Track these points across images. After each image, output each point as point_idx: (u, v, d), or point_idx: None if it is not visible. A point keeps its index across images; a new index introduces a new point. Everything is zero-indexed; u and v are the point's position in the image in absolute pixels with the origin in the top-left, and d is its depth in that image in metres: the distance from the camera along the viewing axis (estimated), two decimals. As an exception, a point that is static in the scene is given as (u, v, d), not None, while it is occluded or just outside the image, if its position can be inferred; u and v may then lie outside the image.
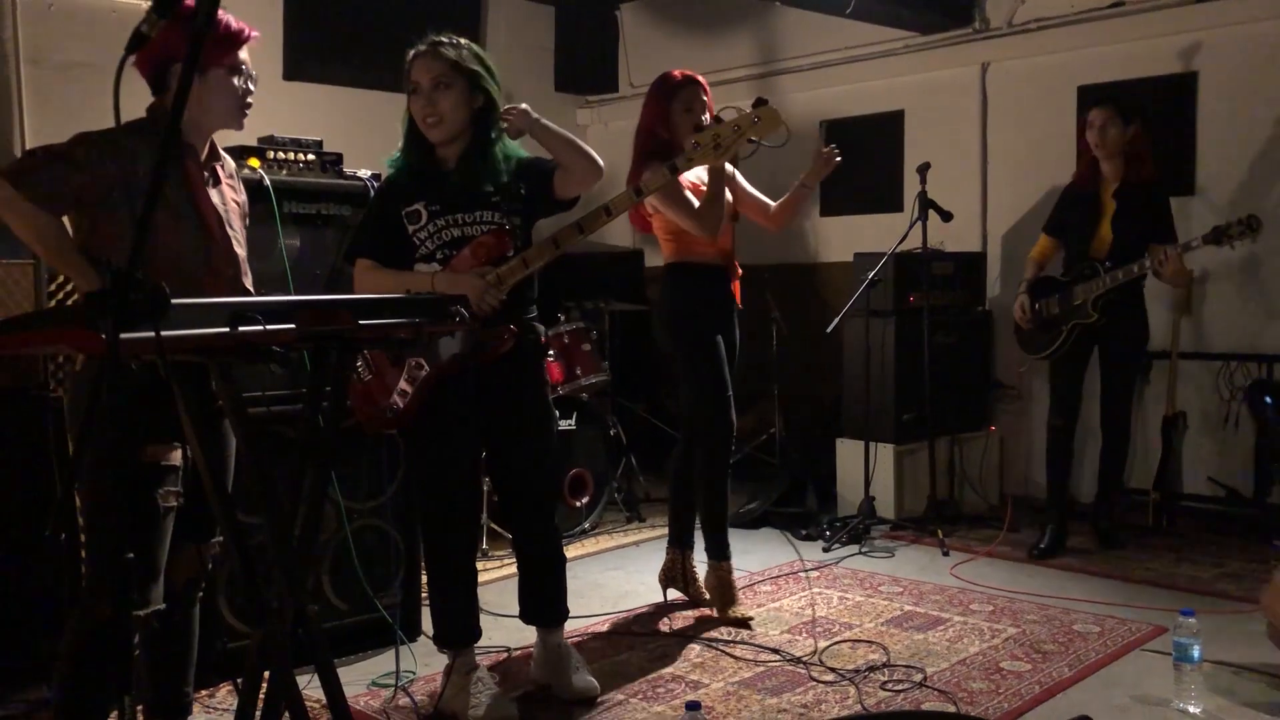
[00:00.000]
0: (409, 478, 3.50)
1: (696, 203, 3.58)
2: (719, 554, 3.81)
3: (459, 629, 3.06)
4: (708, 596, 3.90)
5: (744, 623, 3.70)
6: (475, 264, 2.86)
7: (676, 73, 3.73)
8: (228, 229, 2.51)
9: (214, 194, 2.50)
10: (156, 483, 2.40)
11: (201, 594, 2.66)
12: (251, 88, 2.49)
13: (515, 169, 2.99)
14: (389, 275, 2.90)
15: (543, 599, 3.16)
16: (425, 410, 2.92)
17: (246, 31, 2.44)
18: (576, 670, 3.14)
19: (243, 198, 2.65)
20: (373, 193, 3.37)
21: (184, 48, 2.19)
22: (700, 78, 3.72)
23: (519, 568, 3.18)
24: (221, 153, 2.59)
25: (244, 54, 2.46)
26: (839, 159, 3.73)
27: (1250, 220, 4.11)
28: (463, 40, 2.94)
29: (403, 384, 2.88)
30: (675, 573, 4.00)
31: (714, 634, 3.66)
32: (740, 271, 3.85)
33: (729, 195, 3.69)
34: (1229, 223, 4.15)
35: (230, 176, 2.61)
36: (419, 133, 2.94)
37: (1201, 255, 4.73)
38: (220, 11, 2.30)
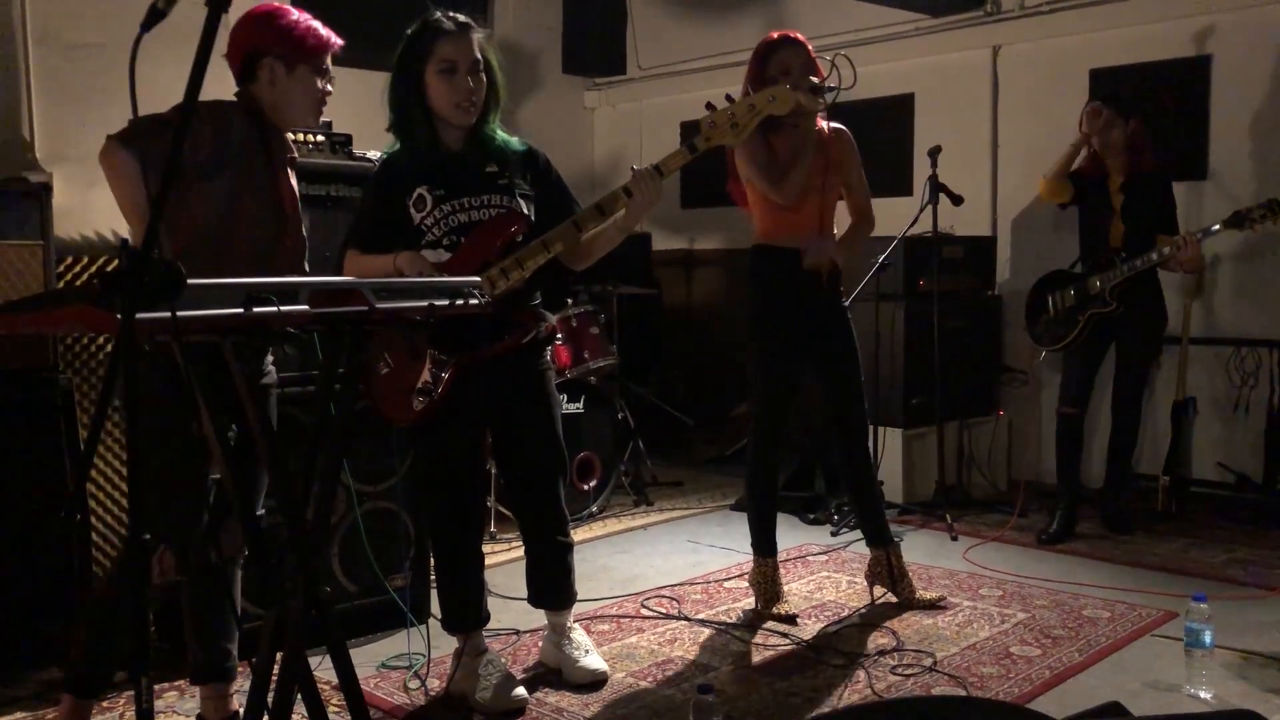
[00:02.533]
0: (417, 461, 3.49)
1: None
2: (760, 550, 3.71)
3: (467, 613, 3.06)
4: (780, 610, 3.65)
5: (790, 619, 3.58)
6: (486, 249, 2.82)
7: (774, 33, 3.52)
8: (300, 212, 2.68)
9: (291, 178, 2.69)
10: (207, 460, 2.54)
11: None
12: (330, 89, 2.68)
13: (522, 157, 2.97)
14: (366, 261, 2.86)
15: (550, 583, 3.15)
16: None
17: (334, 40, 2.65)
18: (586, 653, 3.14)
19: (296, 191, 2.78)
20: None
21: (274, 41, 2.52)
22: (799, 35, 3.48)
23: (526, 552, 3.17)
24: (292, 146, 2.75)
25: (328, 60, 2.65)
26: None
27: (1272, 204, 4.11)
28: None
29: (427, 376, 2.83)
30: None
31: (723, 617, 3.66)
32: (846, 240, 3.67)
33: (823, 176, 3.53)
34: (1250, 207, 4.15)
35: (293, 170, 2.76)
36: (423, 112, 2.85)
37: (1215, 240, 4.70)
38: (308, 17, 2.61)
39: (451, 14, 2.86)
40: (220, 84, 2.53)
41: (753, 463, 3.72)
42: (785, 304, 3.58)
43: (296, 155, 2.77)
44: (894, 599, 3.73)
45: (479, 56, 2.84)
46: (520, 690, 2.98)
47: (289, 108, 2.62)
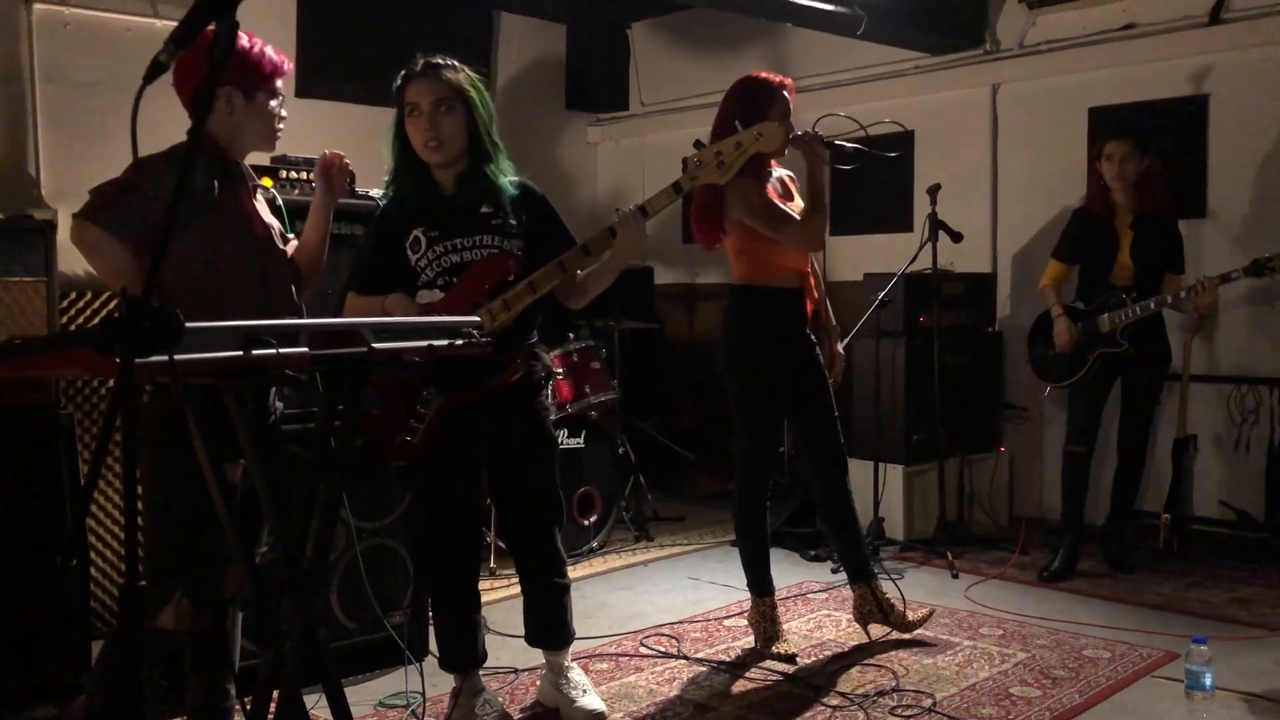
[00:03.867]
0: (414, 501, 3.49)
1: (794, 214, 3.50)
2: (757, 590, 3.71)
3: (463, 653, 3.06)
4: (782, 649, 3.64)
5: (789, 659, 3.57)
6: (476, 290, 2.84)
7: (774, 77, 3.55)
8: (278, 241, 2.64)
9: (261, 207, 2.65)
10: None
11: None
12: (284, 114, 2.65)
13: (516, 197, 2.98)
14: (364, 303, 2.89)
15: (547, 623, 3.14)
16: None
17: (287, 64, 2.62)
18: (584, 693, 3.13)
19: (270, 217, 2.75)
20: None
21: (232, 69, 2.44)
22: (789, 81, 3.59)
23: (523, 591, 3.16)
24: (252, 173, 2.72)
25: (280, 83, 2.62)
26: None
27: None
28: (456, 63, 2.93)
29: (416, 414, 2.85)
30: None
31: (722, 656, 3.64)
32: (816, 294, 3.67)
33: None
34: (1271, 255, 4.21)
35: (259, 197, 2.73)
36: (413, 156, 2.90)
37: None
38: (261, 42, 2.53)
39: (428, 57, 2.90)
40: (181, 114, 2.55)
41: (743, 504, 3.71)
42: (772, 344, 3.59)
43: (259, 181, 2.74)
44: (892, 633, 3.73)
45: (444, 96, 2.85)
46: (518, 730, 2.97)
47: (248, 137, 2.58)
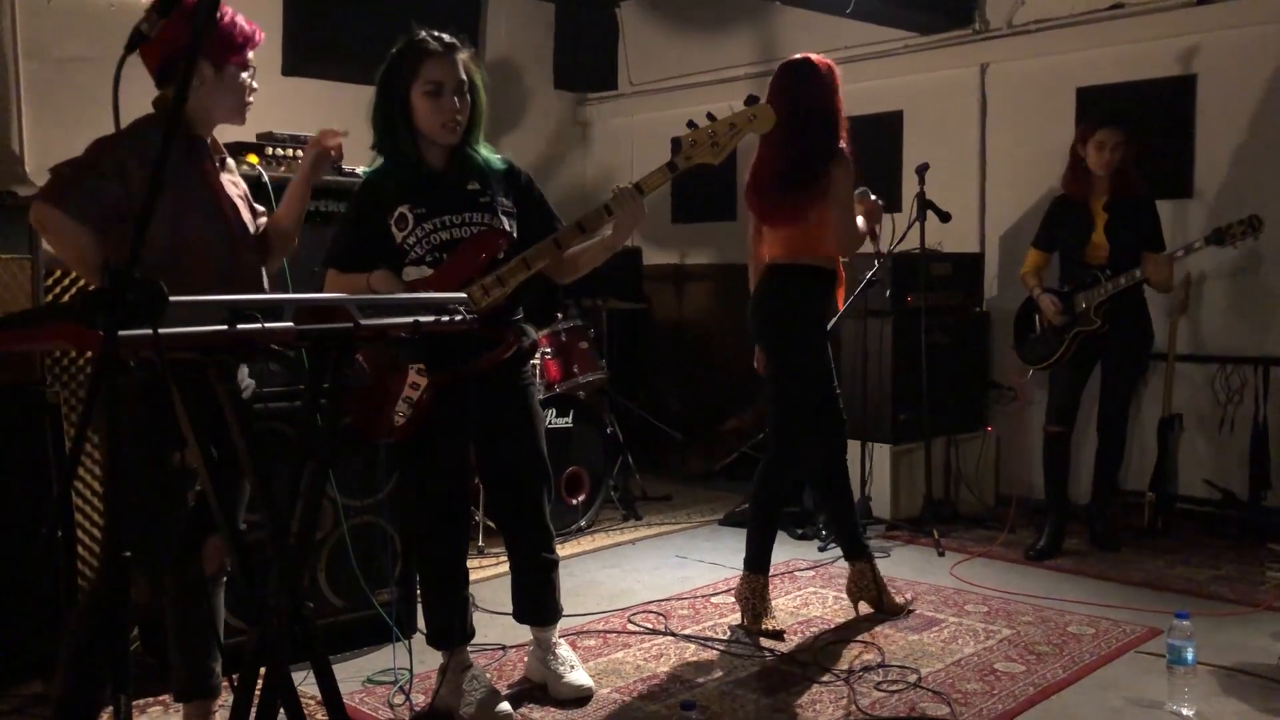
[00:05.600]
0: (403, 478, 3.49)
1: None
2: (754, 566, 3.69)
3: (451, 629, 3.06)
4: (771, 625, 3.65)
5: (777, 635, 3.58)
6: (469, 266, 2.83)
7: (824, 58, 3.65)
8: (244, 217, 2.59)
9: (226, 183, 2.59)
10: (188, 485, 2.52)
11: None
12: (255, 85, 2.58)
13: (503, 174, 2.98)
14: (345, 280, 2.86)
15: (535, 599, 3.15)
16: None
17: (259, 34, 2.54)
18: (571, 669, 3.14)
19: (244, 188, 2.70)
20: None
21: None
22: None
23: (511, 568, 3.17)
24: (221, 146, 2.65)
25: (251, 53, 2.55)
26: None
27: (1252, 220, 4.17)
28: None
29: (407, 392, 2.84)
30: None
31: (709, 632, 3.66)
32: (844, 276, 3.74)
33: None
34: (1230, 223, 4.22)
35: (231, 170, 2.68)
36: (406, 132, 2.86)
37: (1200, 258, 4.74)
38: (231, 11, 2.43)
39: (437, 34, 2.86)
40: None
41: (772, 479, 3.69)
42: (818, 322, 3.69)
43: (227, 155, 2.66)
44: (881, 613, 3.76)
45: (464, 77, 2.85)
46: (505, 706, 2.98)
47: (216, 110, 2.49)
